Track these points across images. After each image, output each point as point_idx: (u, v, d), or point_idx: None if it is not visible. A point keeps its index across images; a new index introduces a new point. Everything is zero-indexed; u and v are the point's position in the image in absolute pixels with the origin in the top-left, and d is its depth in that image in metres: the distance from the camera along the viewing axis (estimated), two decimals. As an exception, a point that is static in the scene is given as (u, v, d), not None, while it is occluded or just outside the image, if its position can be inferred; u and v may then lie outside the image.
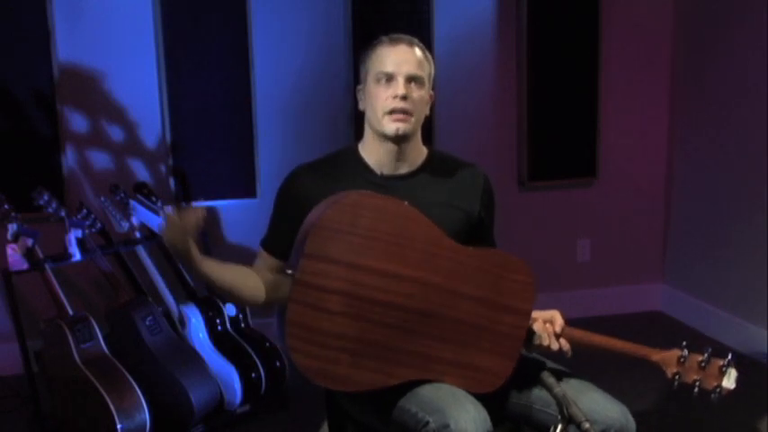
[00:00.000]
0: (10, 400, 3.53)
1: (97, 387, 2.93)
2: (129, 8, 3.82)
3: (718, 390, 1.94)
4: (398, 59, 2.06)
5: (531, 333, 1.99)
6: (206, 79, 3.87)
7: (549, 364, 2.09)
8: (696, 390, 1.95)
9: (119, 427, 2.89)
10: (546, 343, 1.99)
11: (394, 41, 2.10)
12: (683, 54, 4.39)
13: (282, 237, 2.10)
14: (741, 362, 1.97)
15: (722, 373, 1.94)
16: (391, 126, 2.06)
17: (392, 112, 2.05)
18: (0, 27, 3.65)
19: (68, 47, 3.77)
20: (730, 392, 1.94)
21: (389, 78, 2.06)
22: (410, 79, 2.06)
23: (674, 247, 4.56)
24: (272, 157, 3.99)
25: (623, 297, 4.57)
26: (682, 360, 1.96)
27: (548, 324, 2.01)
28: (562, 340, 2.01)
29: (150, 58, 3.85)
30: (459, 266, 1.93)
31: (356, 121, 3.96)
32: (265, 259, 2.17)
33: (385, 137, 2.09)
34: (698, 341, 4.12)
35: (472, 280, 1.93)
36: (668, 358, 1.98)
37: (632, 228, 4.59)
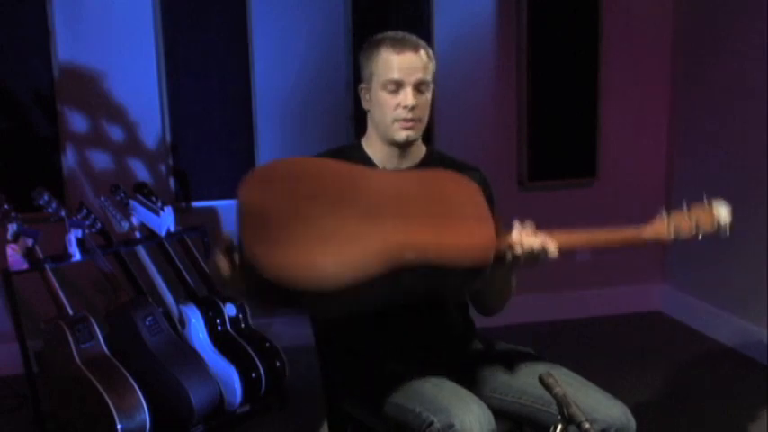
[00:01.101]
0: (10, 400, 3.53)
1: (97, 387, 2.93)
2: (129, 8, 3.82)
3: (718, 227, 1.94)
4: (406, 67, 2.04)
5: (508, 247, 1.93)
6: (206, 79, 3.87)
7: (549, 362, 2.09)
8: (700, 237, 1.94)
9: (119, 427, 2.89)
10: (527, 244, 1.92)
11: (398, 48, 2.05)
12: (683, 54, 4.39)
13: None
14: (741, 362, 1.97)
15: (712, 212, 1.96)
16: (401, 134, 2.06)
17: (402, 120, 2.05)
18: (0, 27, 3.65)
19: (68, 47, 3.77)
20: (733, 226, 1.93)
21: (398, 87, 2.04)
22: (417, 86, 2.05)
23: (674, 247, 4.56)
24: (272, 158, 3.97)
25: (623, 297, 4.57)
26: (669, 223, 1.97)
27: (521, 231, 1.95)
28: (541, 235, 1.94)
29: (150, 58, 3.84)
30: (400, 192, 1.91)
31: (356, 121, 3.96)
32: None
33: (393, 143, 2.09)
34: (698, 341, 4.13)
35: (418, 201, 1.90)
36: (658, 229, 1.99)
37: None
